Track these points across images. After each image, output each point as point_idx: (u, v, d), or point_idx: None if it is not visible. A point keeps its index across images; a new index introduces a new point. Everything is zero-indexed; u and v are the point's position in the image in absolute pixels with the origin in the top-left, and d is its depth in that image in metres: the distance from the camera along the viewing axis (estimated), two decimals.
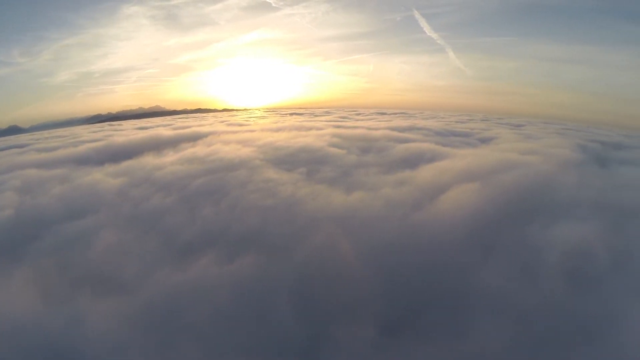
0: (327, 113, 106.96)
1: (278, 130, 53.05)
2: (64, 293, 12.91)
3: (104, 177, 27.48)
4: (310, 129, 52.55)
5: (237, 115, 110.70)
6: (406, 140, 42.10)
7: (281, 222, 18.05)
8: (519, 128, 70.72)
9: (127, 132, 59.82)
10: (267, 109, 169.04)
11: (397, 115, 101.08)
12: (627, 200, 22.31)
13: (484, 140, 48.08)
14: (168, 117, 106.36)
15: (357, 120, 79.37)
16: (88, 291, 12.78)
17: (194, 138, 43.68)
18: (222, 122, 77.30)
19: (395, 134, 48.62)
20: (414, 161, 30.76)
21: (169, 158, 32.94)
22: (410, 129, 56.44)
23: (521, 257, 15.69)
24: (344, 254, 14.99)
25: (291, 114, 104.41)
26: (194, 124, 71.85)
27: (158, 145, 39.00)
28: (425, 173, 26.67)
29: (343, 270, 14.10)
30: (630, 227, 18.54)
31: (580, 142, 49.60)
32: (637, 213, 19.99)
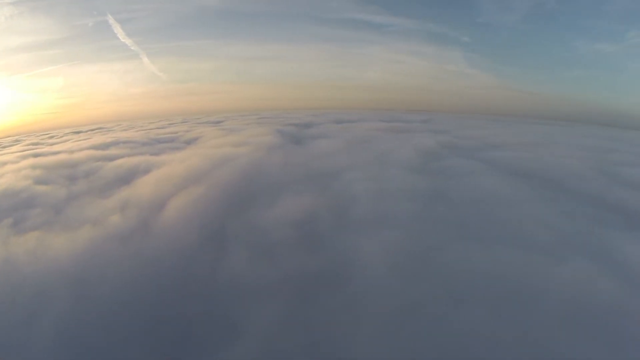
0: (17, 142, 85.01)
1: None
2: None
3: None
4: (3, 164, 41.79)
5: None
6: (113, 157, 39.34)
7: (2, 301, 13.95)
8: (219, 124, 77.41)
9: None
10: None
11: (94, 131, 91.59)
12: (324, 166, 28.48)
13: (190, 142, 50.21)
14: None
15: (53, 144, 66.83)
16: None
17: None
18: None
19: (100, 152, 44.63)
20: (129, 177, 29.11)
21: None
22: (113, 144, 52.70)
23: (259, 238, 17.01)
24: (90, 304, 13.03)
25: None
26: None
27: None
28: (146, 187, 25.97)
29: (97, 320, 12.32)
30: (333, 185, 24.02)
31: (278, 127, 60.05)
32: (333, 174, 26.19)
